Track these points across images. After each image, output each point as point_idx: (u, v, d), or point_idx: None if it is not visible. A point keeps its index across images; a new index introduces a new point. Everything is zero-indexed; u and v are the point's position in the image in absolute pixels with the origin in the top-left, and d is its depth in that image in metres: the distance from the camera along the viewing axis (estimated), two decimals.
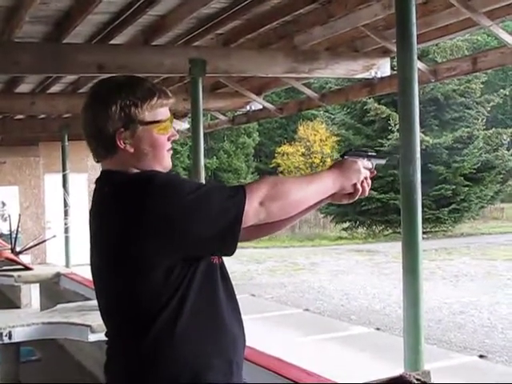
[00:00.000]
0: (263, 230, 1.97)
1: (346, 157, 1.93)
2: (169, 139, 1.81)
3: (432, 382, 1.71)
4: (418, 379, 1.76)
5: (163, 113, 1.79)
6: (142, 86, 1.77)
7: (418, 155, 3.72)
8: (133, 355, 1.72)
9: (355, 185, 1.91)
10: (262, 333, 7.89)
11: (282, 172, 31.05)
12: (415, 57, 3.82)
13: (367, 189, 1.95)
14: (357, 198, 1.95)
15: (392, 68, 7.19)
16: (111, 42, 5.91)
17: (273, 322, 9.78)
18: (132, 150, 1.76)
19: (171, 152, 1.84)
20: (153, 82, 1.83)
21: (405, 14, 3.78)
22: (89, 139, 1.80)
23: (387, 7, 5.28)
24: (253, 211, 1.69)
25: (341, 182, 1.88)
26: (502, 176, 25.72)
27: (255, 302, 11.48)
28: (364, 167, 1.93)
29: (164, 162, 1.80)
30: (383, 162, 2.05)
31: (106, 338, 1.85)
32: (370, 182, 1.96)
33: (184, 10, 5.20)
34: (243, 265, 16.09)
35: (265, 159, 35.36)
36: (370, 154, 1.98)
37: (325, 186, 1.86)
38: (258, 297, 12.15)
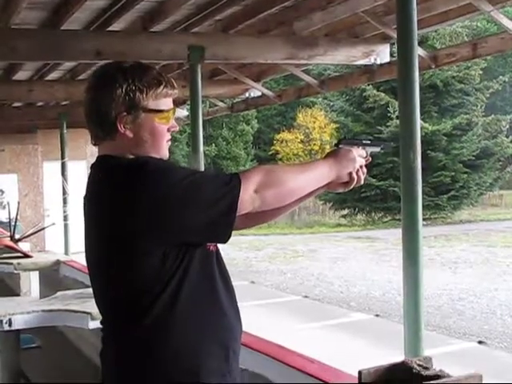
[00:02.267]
0: (258, 218, 1.97)
1: (340, 146, 1.92)
2: (169, 130, 1.81)
3: (433, 367, 1.72)
4: (419, 365, 1.76)
5: (167, 103, 1.79)
6: (149, 73, 1.77)
7: (419, 141, 3.71)
8: (129, 341, 1.73)
9: (351, 173, 1.92)
10: (262, 320, 7.91)
11: (280, 159, 31.04)
12: (416, 43, 3.80)
13: (362, 177, 1.95)
14: (352, 186, 1.96)
15: (391, 54, 7.16)
16: (109, 28, 5.87)
17: (272, 308, 9.80)
18: (131, 136, 1.75)
19: (169, 143, 1.84)
20: (160, 71, 1.82)
21: None
22: (89, 120, 1.79)
23: None
24: (248, 199, 1.69)
25: (336, 171, 1.88)
26: (500, 163, 25.75)
27: (255, 288, 11.51)
28: (359, 155, 1.93)
29: (161, 152, 1.80)
30: (378, 149, 2.05)
31: (101, 326, 1.84)
32: (365, 170, 1.96)
33: None
34: (243, 252, 16.12)
35: (264, 146, 35.29)
36: (364, 142, 1.98)
37: (320, 174, 1.86)
38: (258, 284, 12.17)
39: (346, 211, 25.81)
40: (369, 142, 1.99)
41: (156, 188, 1.63)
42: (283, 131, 32.29)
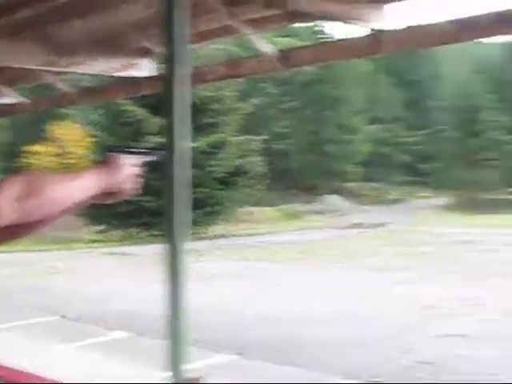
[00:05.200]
0: (11, 233, 1.75)
1: (109, 154, 1.81)
2: None
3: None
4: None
5: None
6: None
7: (188, 155, 3.68)
8: None
9: (119, 184, 1.80)
10: (11, 344, 7.39)
11: None
12: (182, 57, 3.77)
13: (133, 187, 1.85)
14: (121, 197, 1.84)
15: (153, 69, 7.16)
16: None
17: (25, 331, 9.21)
18: None
19: None
20: None
21: (171, 12, 3.72)
22: None
23: (150, 5, 5.22)
24: (1, 210, 1.50)
25: (103, 181, 1.76)
26: (253, 181, 27.15)
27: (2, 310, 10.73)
28: (129, 164, 1.82)
29: None
30: (150, 158, 1.95)
31: None
32: (135, 180, 1.86)
33: None
34: None
35: (12, 159, 33.28)
36: (134, 150, 1.87)
37: (86, 184, 1.73)
38: (6, 305, 11.36)
39: (101, 227, 25.36)
40: (140, 150, 1.89)
41: None
42: (35, 143, 30.81)
